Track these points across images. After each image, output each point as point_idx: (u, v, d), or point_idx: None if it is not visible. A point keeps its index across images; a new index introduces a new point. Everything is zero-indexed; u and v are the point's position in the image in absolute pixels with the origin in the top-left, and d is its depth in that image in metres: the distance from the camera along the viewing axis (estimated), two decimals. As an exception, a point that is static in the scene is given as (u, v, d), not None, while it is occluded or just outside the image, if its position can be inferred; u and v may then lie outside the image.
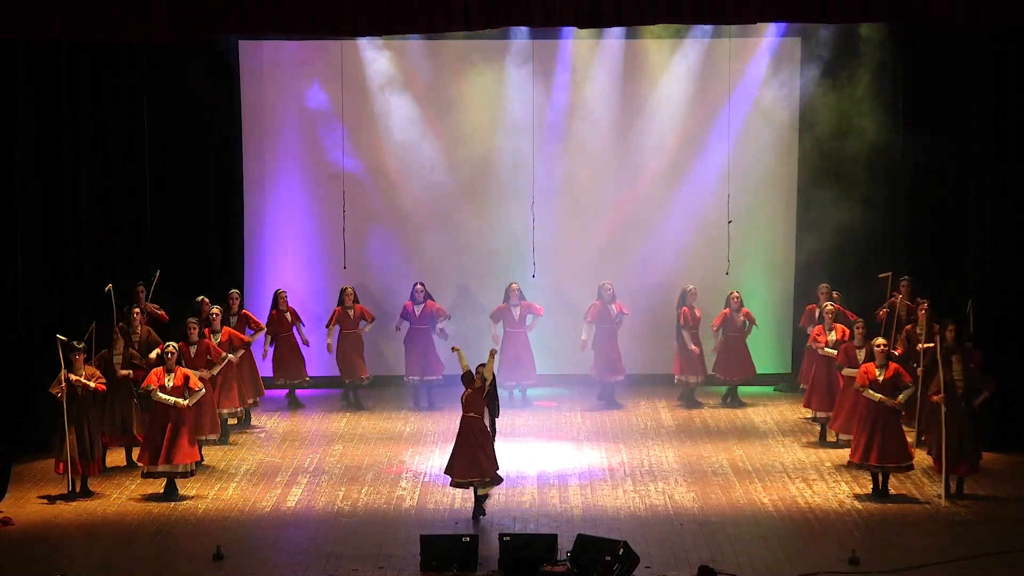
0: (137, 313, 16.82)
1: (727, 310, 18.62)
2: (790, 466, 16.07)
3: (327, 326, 18.70)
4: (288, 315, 18.57)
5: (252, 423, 17.96)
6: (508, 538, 12.80)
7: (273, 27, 14.49)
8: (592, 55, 19.50)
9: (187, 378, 14.95)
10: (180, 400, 14.82)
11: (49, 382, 14.85)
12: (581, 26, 14.88)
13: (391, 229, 19.79)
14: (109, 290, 16.44)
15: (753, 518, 14.24)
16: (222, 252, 19.47)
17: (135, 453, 15.97)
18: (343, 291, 18.73)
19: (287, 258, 19.83)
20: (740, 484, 15.37)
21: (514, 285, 18.73)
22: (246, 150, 19.60)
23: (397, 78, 19.47)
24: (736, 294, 18.66)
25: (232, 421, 17.31)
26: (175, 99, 18.76)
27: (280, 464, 16.29)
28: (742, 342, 18.67)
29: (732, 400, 18.91)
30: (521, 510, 14.51)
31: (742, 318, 18.63)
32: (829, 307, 17.36)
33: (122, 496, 15.06)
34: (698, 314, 18.67)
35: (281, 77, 19.57)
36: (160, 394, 14.80)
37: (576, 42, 19.32)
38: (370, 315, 18.86)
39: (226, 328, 17.31)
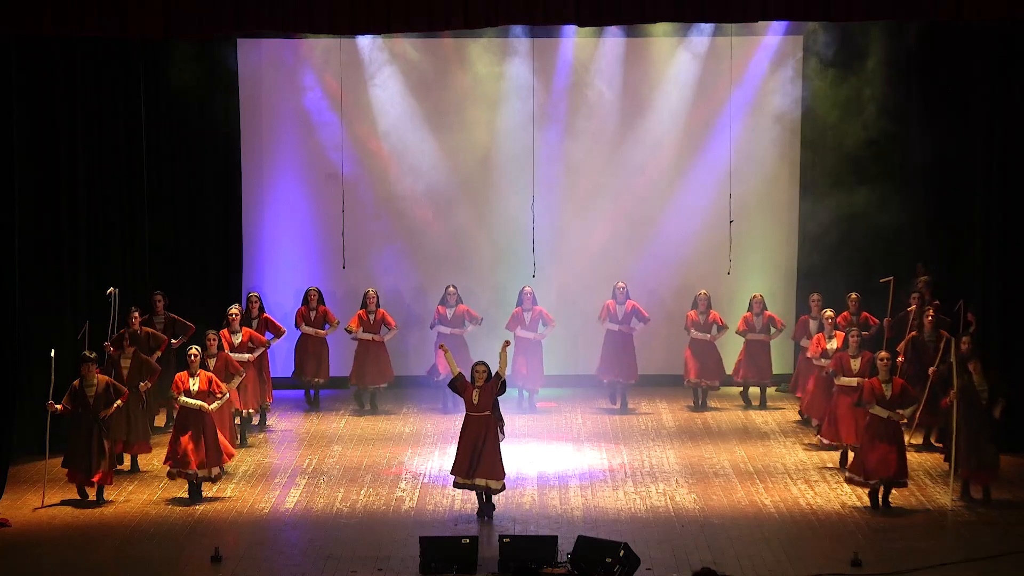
0: (136, 318, 16.69)
1: (748, 313, 18.51)
2: (792, 467, 15.99)
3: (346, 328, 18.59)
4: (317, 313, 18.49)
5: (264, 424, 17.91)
6: (508, 540, 12.72)
7: (270, 25, 14.41)
8: (593, 53, 19.44)
9: (211, 381, 14.90)
10: (205, 404, 14.77)
11: (44, 384, 14.75)
12: (582, 24, 14.81)
13: (391, 229, 19.72)
14: (111, 293, 16.31)
15: (755, 519, 14.16)
16: (220, 252, 19.44)
17: (140, 458, 15.99)
18: (366, 294, 18.55)
19: (286, 258, 19.76)
20: (742, 485, 15.29)
21: (527, 288, 18.62)
22: (244, 149, 19.56)
23: (396, 76, 19.41)
24: (759, 296, 18.53)
25: (255, 420, 17.32)
26: (172, 99, 18.68)
27: (279, 465, 16.21)
28: (765, 345, 18.54)
29: (760, 404, 18.74)
30: (521, 511, 14.43)
31: (764, 321, 18.51)
32: (829, 313, 17.18)
33: (120, 498, 14.96)
34: (716, 320, 18.56)
35: (279, 76, 19.52)
36: (184, 399, 14.73)
37: (577, 40, 19.25)
38: (392, 321, 18.69)
39: (246, 328, 17.19)
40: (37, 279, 16.66)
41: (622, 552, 12.32)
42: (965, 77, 17.36)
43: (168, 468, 14.80)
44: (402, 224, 19.72)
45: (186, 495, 14.84)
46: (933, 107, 17.99)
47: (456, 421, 17.87)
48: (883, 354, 14.83)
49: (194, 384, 14.82)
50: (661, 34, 19.19)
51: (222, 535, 13.65)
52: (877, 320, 17.42)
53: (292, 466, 16.15)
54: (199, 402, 14.73)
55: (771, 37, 19.28)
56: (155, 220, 18.69)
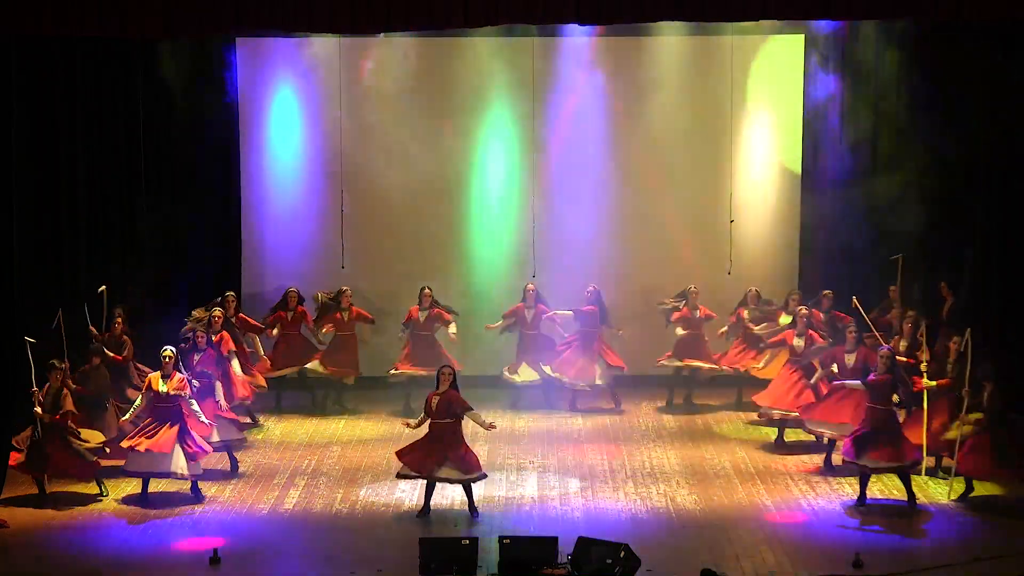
0: (120, 321, 16.56)
1: (742, 309, 18.44)
2: (793, 468, 15.94)
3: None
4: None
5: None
6: (508, 540, 12.67)
7: (270, 24, 14.38)
8: (593, 52, 19.40)
9: (183, 382, 14.76)
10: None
11: (43, 384, 14.74)
12: (582, 23, 14.78)
13: (390, 228, 19.66)
14: (103, 292, 16.22)
15: (755, 520, 14.11)
16: (219, 252, 19.40)
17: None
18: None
19: (285, 258, 19.70)
20: (742, 486, 15.24)
21: (530, 286, 18.57)
22: (243, 149, 19.55)
23: (396, 75, 19.38)
24: (754, 291, 18.50)
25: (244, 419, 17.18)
26: (171, 98, 18.63)
27: (277, 466, 16.16)
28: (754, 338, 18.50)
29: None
30: (521, 512, 14.40)
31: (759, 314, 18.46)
32: (803, 311, 17.00)
33: (118, 499, 14.90)
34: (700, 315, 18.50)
35: (278, 75, 19.48)
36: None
37: (577, 39, 19.21)
38: (369, 316, 18.68)
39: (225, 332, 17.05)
40: (37, 279, 16.61)
41: (622, 553, 12.28)
42: (965, 77, 17.31)
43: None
44: (402, 223, 19.68)
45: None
46: (933, 106, 17.94)
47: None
48: (884, 351, 14.77)
49: (163, 386, 14.66)
50: (661, 32, 19.15)
51: (221, 536, 13.58)
52: (848, 317, 17.22)
53: (291, 467, 16.10)
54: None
55: (772, 35, 19.24)
56: (155, 220, 18.64)
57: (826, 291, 17.81)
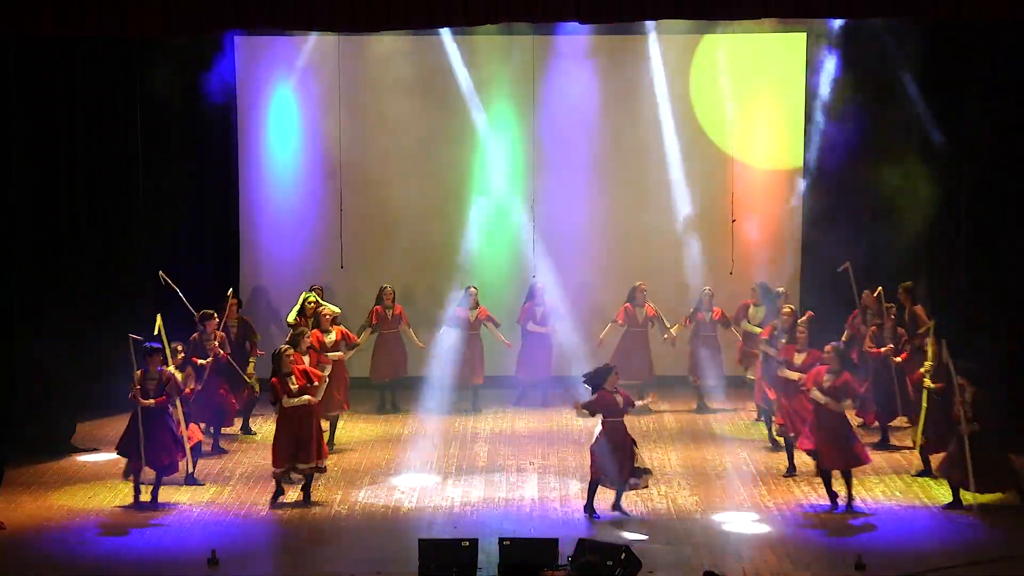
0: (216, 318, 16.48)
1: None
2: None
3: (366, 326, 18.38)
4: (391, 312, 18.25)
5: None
6: (508, 542, 12.61)
7: (270, 23, 14.38)
8: (593, 50, 19.36)
9: (307, 373, 14.64)
10: (311, 397, 14.53)
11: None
12: (582, 21, 14.78)
13: (389, 228, 19.63)
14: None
15: (757, 522, 14.04)
16: (217, 251, 19.41)
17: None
18: (382, 290, 18.29)
19: (283, 257, 19.66)
20: (744, 487, 15.18)
21: (539, 283, 18.53)
22: (242, 149, 19.52)
23: (396, 74, 19.35)
24: (784, 290, 18.42)
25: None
26: (171, 98, 18.62)
27: (277, 467, 16.09)
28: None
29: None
30: (521, 513, 14.34)
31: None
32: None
33: (116, 499, 14.87)
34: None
35: (278, 73, 19.48)
36: (290, 400, 14.45)
37: (577, 37, 19.17)
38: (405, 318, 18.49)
39: (338, 328, 16.80)
40: (37, 279, 16.60)
41: (623, 555, 12.23)
42: (965, 76, 17.28)
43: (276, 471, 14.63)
44: (401, 223, 19.64)
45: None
46: (934, 105, 17.92)
47: (455, 422, 17.93)
48: (828, 347, 14.56)
49: (293, 383, 14.51)
50: (662, 30, 19.12)
51: (219, 538, 13.53)
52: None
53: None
54: (307, 396, 14.48)
55: (773, 34, 19.19)
56: (154, 221, 18.63)
57: (905, 282, 17.32)
